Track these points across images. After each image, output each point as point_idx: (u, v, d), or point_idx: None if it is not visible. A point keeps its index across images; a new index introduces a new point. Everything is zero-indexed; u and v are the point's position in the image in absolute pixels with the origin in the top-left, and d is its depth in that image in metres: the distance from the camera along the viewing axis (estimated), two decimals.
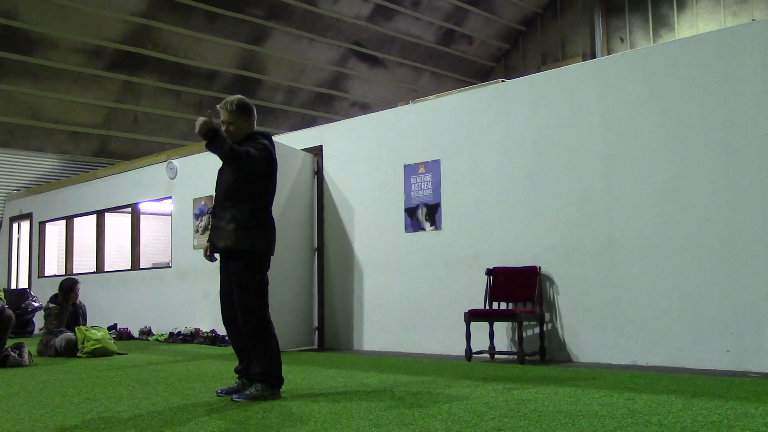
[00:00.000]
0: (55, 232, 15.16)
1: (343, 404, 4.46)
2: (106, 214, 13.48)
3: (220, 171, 4.98)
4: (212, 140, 4.51)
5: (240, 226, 4.72)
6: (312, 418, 4.00)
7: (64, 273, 13.90)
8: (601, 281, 6.76)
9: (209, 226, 4.97)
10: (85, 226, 14.21)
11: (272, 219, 4.94)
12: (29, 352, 7.61)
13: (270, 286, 8.57)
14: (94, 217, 13.52)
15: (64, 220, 14.22)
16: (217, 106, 4.96)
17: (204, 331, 10.34)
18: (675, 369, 6.04)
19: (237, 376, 4.98)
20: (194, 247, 10.98)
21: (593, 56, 19.08)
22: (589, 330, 6.80)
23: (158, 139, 17.16)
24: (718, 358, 5.99)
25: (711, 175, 6.17)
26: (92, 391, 5.33)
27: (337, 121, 10.12)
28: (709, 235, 6.14)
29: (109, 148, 16.85)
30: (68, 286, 9.01)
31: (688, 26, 18.34)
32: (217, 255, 5.00)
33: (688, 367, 6.09)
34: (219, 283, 4.98)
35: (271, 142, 4.96)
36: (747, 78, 6.04)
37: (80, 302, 9.22)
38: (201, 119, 4.53)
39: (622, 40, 19.72)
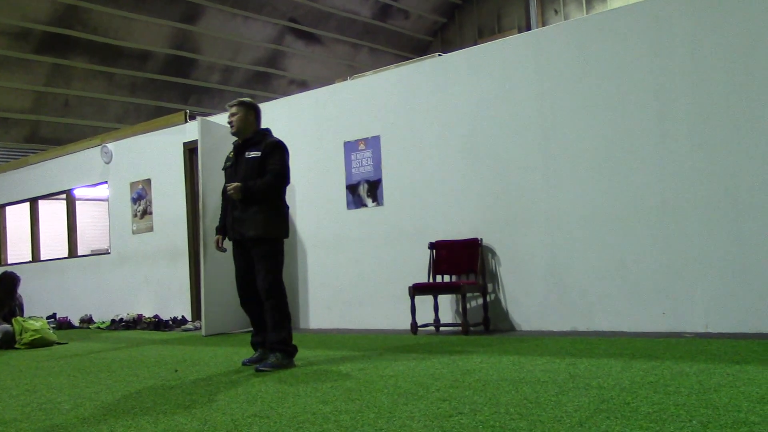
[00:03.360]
0: None
1: (289, 383, 4.46)
2: (40, 202, 13.09)
3: (231, 167, 5.43)
4: (248, 195, 5.18)
5: (269, 216, 5.23)
6: (259, 398, 3.99)
7: None
8: (541, 251, 6.88)
9: (228, 217, 5.40)
10: (19, 215, 13.79)
11: (288, 205, 5.48)
12: None
13: (213, 267, 8.48)
14: (27, 205, 13.14)
15: None
16: (226, 105, 5.59)
17: (147, 316, 10.19)
18: (614, 333, 6.21)
19: (257, 348, 5.44)
20: (134, 232, 10.78)
21: (528, 28, 19.24)
22: (530, 299, 6.92)
23: (91, 123, 16.72)
24: (654, 321, 6.18)
25: (645, 143, 6.31)
26: (32, 383, 5.21)
27: (275, 99, 10.01)
28: (644, 202, 6.30)
29: (41, 133, 16.35)
30: (13, 282, 8.74)
31: None
32: (226, 246, 5.51)
33: (627, 330, 6.27)
34: (235, 265, 5.44)
35: (280, 140, 5.44)
36: (677, 46, 6.17)
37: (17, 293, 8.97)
38: (233, 189, 5.17)
39: (556, 12, 19.94)
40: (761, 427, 2.72)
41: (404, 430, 3.03)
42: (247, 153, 5.36)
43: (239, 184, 5.20)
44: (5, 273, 8.94)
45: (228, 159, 5.55)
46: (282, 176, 5.29)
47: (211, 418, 3.51)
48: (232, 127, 5.45)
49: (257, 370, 5.03)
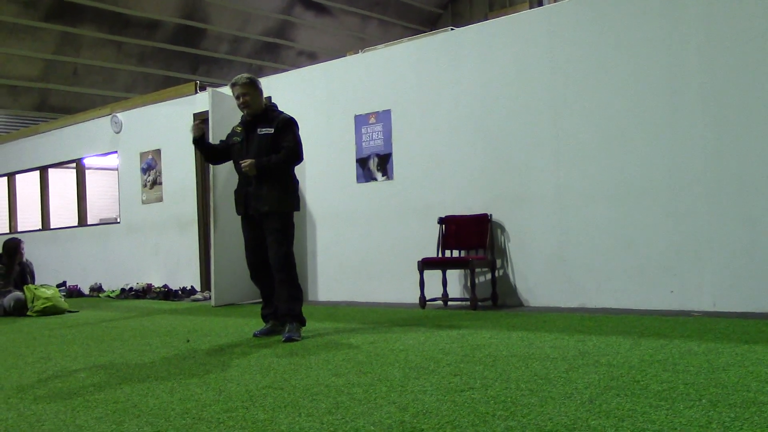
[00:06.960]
0: None
1: (301, 355, 4.51)
2: (50, 170, 13.14)
3: (241, 142, 5.47)
4: (263, 171, 5.27)
5: (282, 191, 5.35)
6: (272, 369, 4.04)
7: (8, 231, 13.59)
8: (550, 227, 6.89)
9: (241, 191, 5.51)
10: (29, 183, 13.84)
11: (297, 179, 5.60)
12: None
13: (223, 238, 8.53)
14: (37, 173, 13.18)
15: (6, 177, 13.83)
16: (228, 85, 5.58)
17: (156, 286, 10.27)
18: (622, 310, 6.24)
19: (268, 320, 5.58)
20: (143, 202, 10.83)
21: (540, 3, 19.07)
22: (539, 275, 6.96)
23: (100, 92, 16.69)
24: (663, 299, 6.21)
25: (655, 121, 6.29)
26: (46, 350, 5.28)
27: (283, 71, 9.99)
28: (653, 180, 6.30)
29: (50, 101, 16.35)
30: (12, 247, 8.83)
31: None
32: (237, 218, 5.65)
33: (635, 308, 6.30)
34: (245, 238, 5.59)
35: (291, 117, 5.54)
36: (690, 25, 6.13)
37: (27, 260, 9.06)
38: (248, 165, 5.25)
39: None
40: None
41: (417, 403, 3.07)
42: (258, 129, 5.42)
43: (253, 160, 5.28)
44: (6, 240, 9.04)
45: (235, 133, 5.59)
46: (296, 153, 5.40)
47: (225, 389, 3.57)
48: (246, 107, 5.46)
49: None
